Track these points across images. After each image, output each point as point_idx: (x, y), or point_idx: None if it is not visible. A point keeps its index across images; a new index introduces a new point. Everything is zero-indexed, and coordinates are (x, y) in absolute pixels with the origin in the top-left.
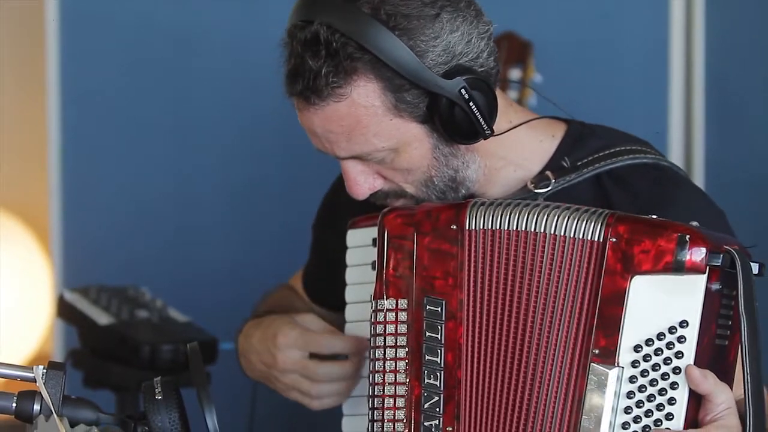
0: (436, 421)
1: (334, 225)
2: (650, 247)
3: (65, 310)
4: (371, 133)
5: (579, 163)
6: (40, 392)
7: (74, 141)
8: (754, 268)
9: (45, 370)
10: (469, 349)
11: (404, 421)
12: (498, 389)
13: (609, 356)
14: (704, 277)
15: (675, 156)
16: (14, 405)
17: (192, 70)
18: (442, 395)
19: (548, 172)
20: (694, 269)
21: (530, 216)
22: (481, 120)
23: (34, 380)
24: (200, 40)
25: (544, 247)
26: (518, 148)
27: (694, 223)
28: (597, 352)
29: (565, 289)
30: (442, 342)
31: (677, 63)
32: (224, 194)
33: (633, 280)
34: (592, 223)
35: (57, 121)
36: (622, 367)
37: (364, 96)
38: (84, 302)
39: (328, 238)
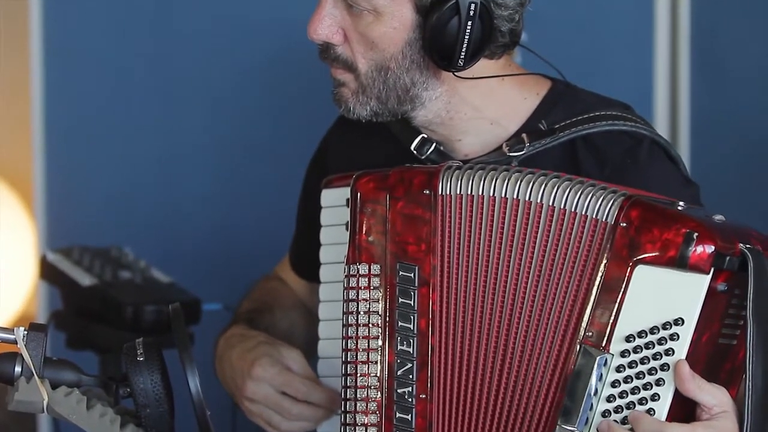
0: (410, 388)
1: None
2: (657, 238)
3: (48, 271)
4: None
5: (556, 127)
6: (21, 354)
7: (58, 100)
8: None
9: (26, 332)
10: (444, 315)
11: (377, 387)
12: (475, 358)
13: (600, 341)
14: (707, 277)
15: (660, 113)
16: None
17: (177, 26)
18: (415, 362)
19: (524, 135)
20: (698, 268)
21: (518, 183)
22: (464, 46)
23: (15, 342)
24: None
25: (540, 217)
26: (497, 103)
27: (718, 217)
28: (590, 335)
29: (561, 264)
30: (415, 308)
31: (663, 18)
32: (208, 154)
33: (636, 268)
34: (609, 204)
35: (40, 81)
36: (612, 355)
37: None
38: (67, 263)
39: (314, 201)
